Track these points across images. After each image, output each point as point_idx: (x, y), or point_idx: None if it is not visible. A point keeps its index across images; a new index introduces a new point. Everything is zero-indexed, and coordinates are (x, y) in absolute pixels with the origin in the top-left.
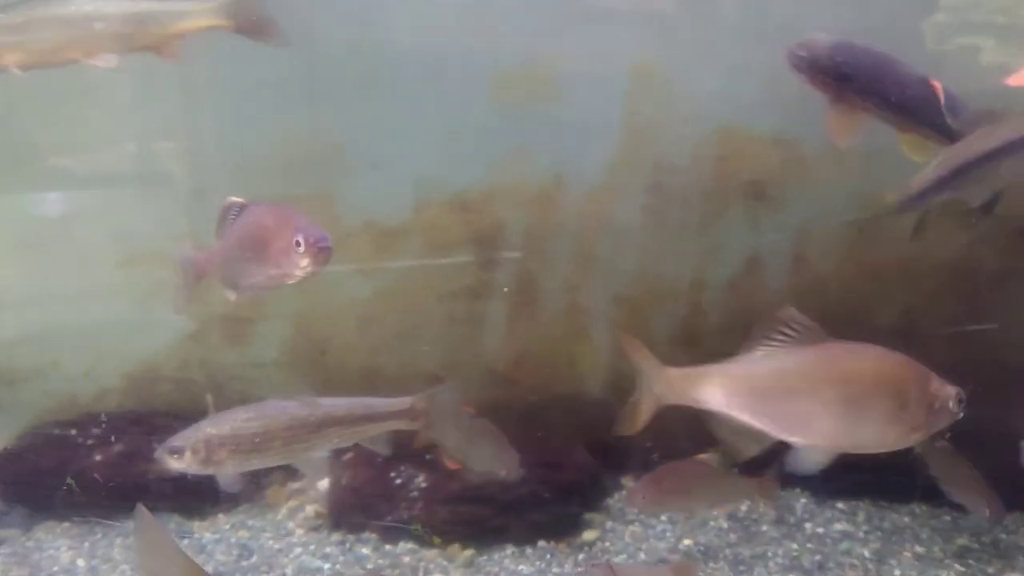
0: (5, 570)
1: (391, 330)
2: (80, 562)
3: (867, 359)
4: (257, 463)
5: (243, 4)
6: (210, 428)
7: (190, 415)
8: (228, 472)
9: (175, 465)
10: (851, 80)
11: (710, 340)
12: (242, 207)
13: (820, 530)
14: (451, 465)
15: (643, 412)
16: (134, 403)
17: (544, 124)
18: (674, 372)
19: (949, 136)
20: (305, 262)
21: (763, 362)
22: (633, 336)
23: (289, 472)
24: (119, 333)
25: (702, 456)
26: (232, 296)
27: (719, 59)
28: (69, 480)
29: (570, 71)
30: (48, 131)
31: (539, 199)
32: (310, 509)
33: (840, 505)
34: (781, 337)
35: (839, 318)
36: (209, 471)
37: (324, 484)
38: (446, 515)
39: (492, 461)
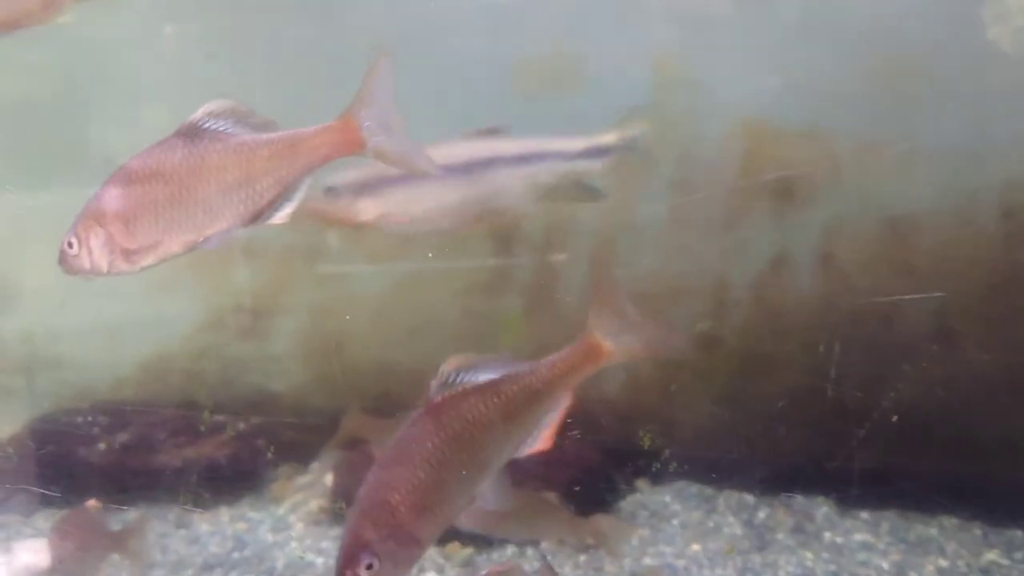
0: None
1: (406, 325)
2: None
3: None
4: None
5: None
6: None
7: (198, 406)
8: None
9: None
10: None
11: (733, 339)
12: None
13: (839, 540)
14: None
15: None
16: (147, 393)
17: (564, 116)
18: None
19: None
20: None
21: None
22: None
23: (297, 467)
24: (136, 324)
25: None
26: None
27: (746, 50)
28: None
29: (593, 62)
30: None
31: None
32: (314, 504)
33: (864, 515)
34: None
35: (870, 318)
36: None
37: (330, 478)
38: None
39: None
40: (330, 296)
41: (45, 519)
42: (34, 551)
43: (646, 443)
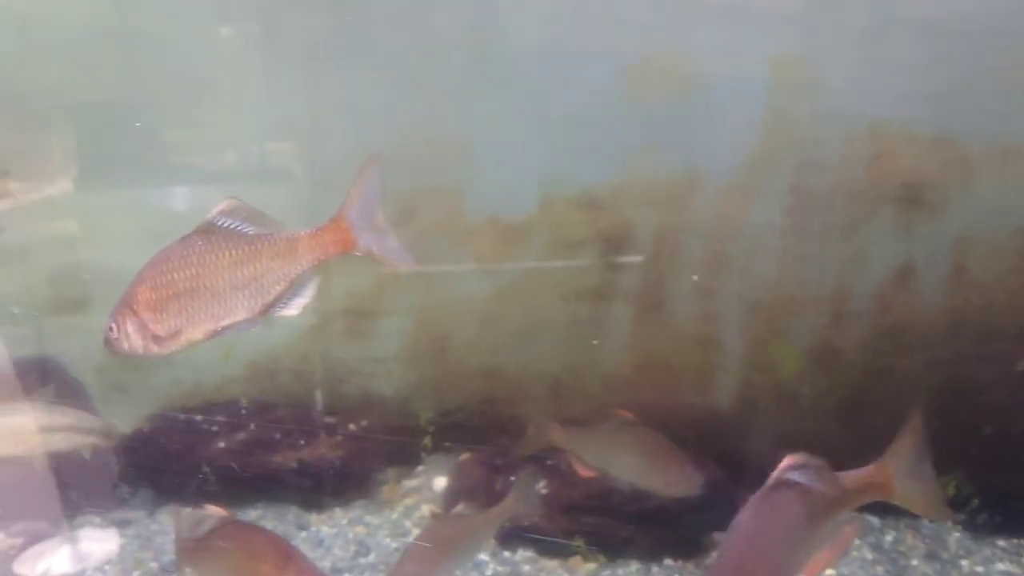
0: (130, 551)
1: (512, 329)
2: None
3: None
4: None
5: None
6: None
7: (309, 407)
8: None
9: None
10: None
11: (852, 353)
12: None
13: (979, 569)
14: (584, 473)
15: None
16: (256, 392)
17: (677, 119)
18: None
19: None
20: None
21: None
22: None
23: (404, 469)
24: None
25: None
26: None
27: (870, 51)
28: (204, 468)
29: (707, 64)
30: (180, 130)
31: (670, 198)
32: (426, 508)
33: (1001, 543)
34: None
35: (1006, 334)
36: None
37: (440, 483)
38: (567, 524)
39: (660, 479)
40: (435, 299)
41: (168, 514)
42: (102, 540)
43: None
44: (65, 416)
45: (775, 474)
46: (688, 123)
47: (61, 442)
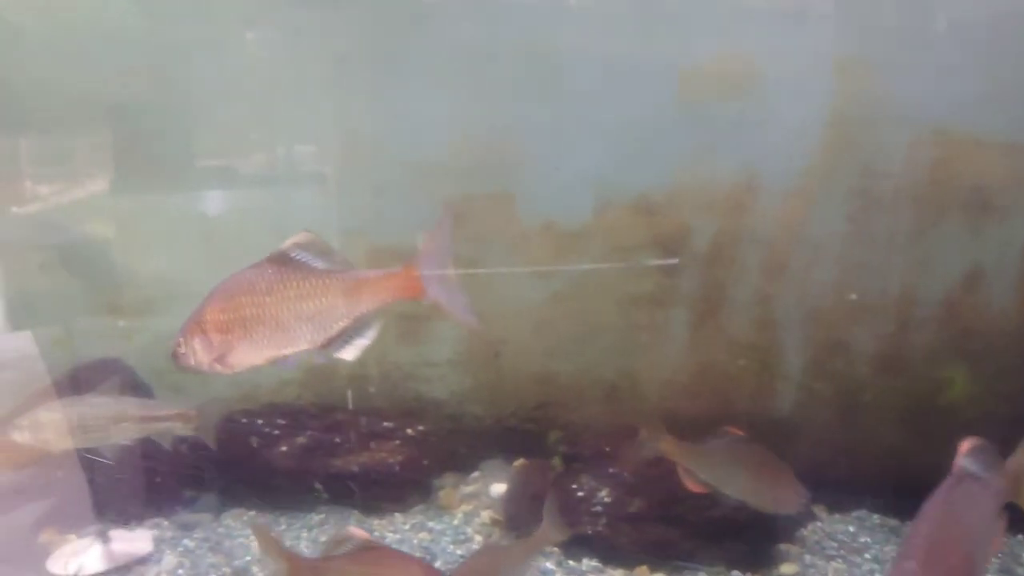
0: (200, 555)
1: (567, 334)
2: None
3: None
4: None
5: None
6: None
7: (365, 411)
8: None
9: None
10: None
11: (918, 363)
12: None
13: None
14: (694, 489)
15: None
16: (311, 396)
17: (736, 123)
18: None
19: None
20: None
21: None
22: None
23: (460, 475)
24: None
25: None
26: None
27: (934, 53)
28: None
29: (766, 67)
30: (238, 132)
31: (729, 202)
32: (485, 515)
33: None
34: None
35: None
36: None
37: (497, 489)
38: (632, 534)
39: (770, 496)
40: (490, 304)
41: (233, 518)
42: (134, 540)
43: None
44: (135, 406)
45: (958, 460)
46: (746, 127)
47: (132, 431)
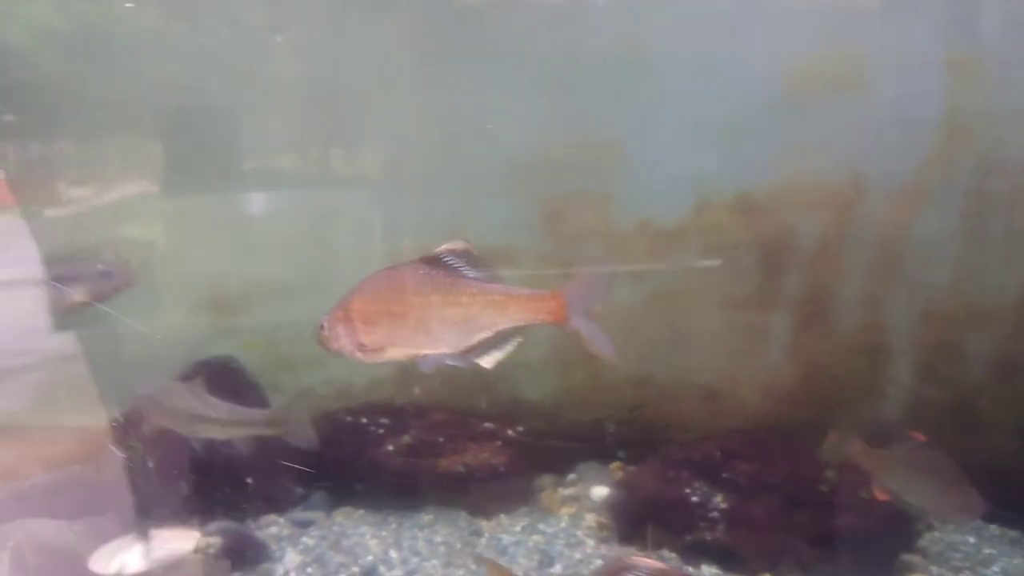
0: (320, 553)
1: (663, 337)
2: (392, 553)
3: None
4: None
5: None
6: None
7: (463, 411)
8: None
9: None
10: None
11: None
12: None
13: None
14: (880, 496)
15: None
16: (405, 396)
17: (842, 121)
18: None
19: None
20: None
21: None
22: None
23: (557, 477)
24: None
25: None
26: None
27: None
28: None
29: (874, 61)
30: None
31: (834, 201)
32: (590, 518)
33: None
34: None
35: None
36: None
37: (599, 491)
38: (752, 542)
39: (952, 503)
40: None
41: (344, 516)
42: (177, 540)
43: None
44: (216, 409)
45: None
46: (853, 125)
47: (215, 432)
